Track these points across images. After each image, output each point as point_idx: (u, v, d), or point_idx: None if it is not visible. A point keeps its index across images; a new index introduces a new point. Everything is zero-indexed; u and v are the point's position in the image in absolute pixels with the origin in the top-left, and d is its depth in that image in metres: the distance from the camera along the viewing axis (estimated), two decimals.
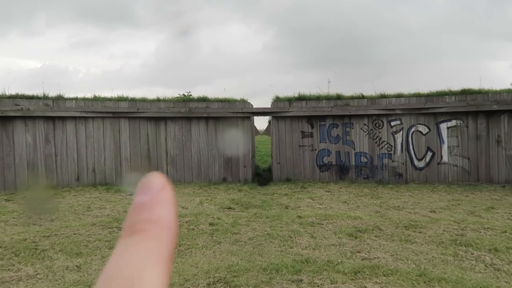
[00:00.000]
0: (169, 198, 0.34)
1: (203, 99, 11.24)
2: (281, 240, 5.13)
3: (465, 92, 10.03)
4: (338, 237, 5.25)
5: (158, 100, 11.16)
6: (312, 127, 10.92)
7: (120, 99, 10.92)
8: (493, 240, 5.03)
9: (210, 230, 5.68)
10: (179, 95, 11.56)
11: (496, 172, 9.57)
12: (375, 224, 5.86)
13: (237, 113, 10.97)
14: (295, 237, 5.27)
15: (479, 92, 9.94)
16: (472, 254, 4.54)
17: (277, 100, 11.37)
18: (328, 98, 11.04)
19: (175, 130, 10.95)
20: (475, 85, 10.19)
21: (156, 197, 0.33)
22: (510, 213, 6.63)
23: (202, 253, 4.70)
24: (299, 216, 6.42)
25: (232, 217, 6.43)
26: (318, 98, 11.07)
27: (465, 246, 4.80)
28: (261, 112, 11.56)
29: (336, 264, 4.24)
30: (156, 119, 10.87)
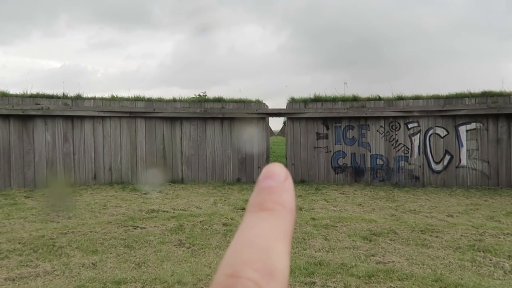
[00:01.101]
0: (292, 187, 0.38)
1: (219, 100, 11.29)
2: (294, 242, 5.10)
3: (486, 94, 9.82)
4: (352, 240, 5.20)
5: (174, 100, 11.26)
6: (328, 129, 10.85)
7: (137, 99, 11.05)
8: None
9: (224, 230, 5.70)
10: (194, 96, 11.63)
11: None
12: (390, 228, 5.78)
13: (252, 113, 10.98)
14: (309, 239, 5.24)
15: (500, 95, 9.71)
16: (491, 260, 4.43)
17: (292, 101, 11.34)
18: (344, 99, 10.95)
19: (190, 130, 11.02)
20: (496, 87, 9.97)
21: (283, 184, 0.38)
22: None
23: (215, 253, 4.71)
24: (313, 218, 6.38)
25: None
26: (334, 100, 10.99)
27: (483, 252, 4.69)
28: (276, 113, 11.54)
29: (350, 267, 4.19)
30: (172, 119, 10.97)
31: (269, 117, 11.87)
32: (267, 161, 11.38)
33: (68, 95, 10.60)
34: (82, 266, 4.26)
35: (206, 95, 11.71)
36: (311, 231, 5.64)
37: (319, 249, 4.84)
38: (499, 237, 5.31)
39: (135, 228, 5.80)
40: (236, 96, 11.54)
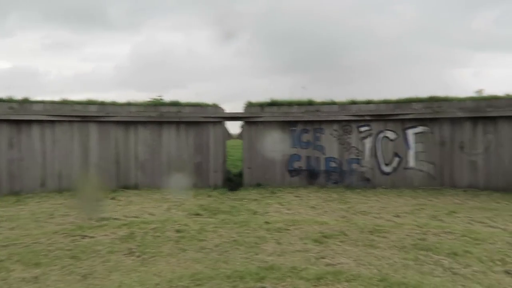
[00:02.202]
0: None
1: (175, 104, 11.14)
2: (247, 247, 5.12)
3: (432, 99, 10.35)
4: (304, 243, 5.30)
5: (129, 104, 10.98)
6: (284, 133, 11.00)
7: (90, 103, 10.67)
8: (452, 244, 5.19)
9: (176, 237, 5.62)
10: (150, 99, 11.40)
11: (459, 177, 9.91)
12: (341, 229, 5.95)
13: (208, 117, 10.93)
14: (261, 244, 5.27)
15: (445, 100, 10.28)
16: (432, 258, 4.67)
17: (249, 105, 11.40)
18: (299, 103, 11.15)
19: (145, 135, 10.79)
20: (441, 92, 10.53)
21: None
22: (470, 217, 6.86)
23: (167, 261, 4.63)
24: (267, 222, 6.44)
25: (200, 224, 6.38)
26: (290, 104, 11.16)
27: (425, 250, 4.94)
28: (233, 117, 11.55)
29: (300, 271, 4.27)
30: (126, 123, 10.69)
31: (226, 121, 11.88)
32: (224, 165, 11.36)
33: (14, 99, 10.06)
34: (23, 281, 4.04)
35: (162, 99, 11.49)
36: (264, 235, 5.69)
37: (271, 253, 4.89)
38: (441, 236, 5.61)
39: (83, 238, 5.59)
40: (194, 99, 11.46)
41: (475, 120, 9.73)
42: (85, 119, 10.38)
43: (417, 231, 5.87)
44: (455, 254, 4.78)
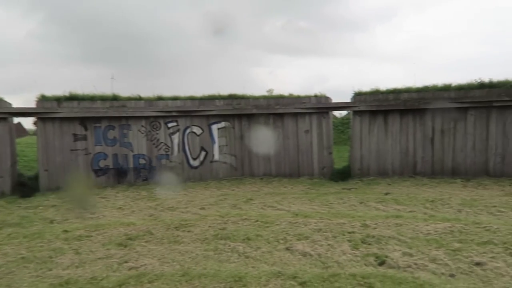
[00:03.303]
0: None
1: None
2: (38, 263, 4.55)
3: (232, 97, 11.27)
4: (107, 249, 5.05)
5: None
6: (86, 130, 10.17)
7: None
8: (247, 230, 5.80)
9: None
10: None
11: (256, 166, 11.16)
12: (147, 229, 5.91)
13: None
14: (57, 257, 4.77)
15: (243, 97, 11.34)
16: (229, 246, 5.11)
17: (43, 99, 10.09)
18: (103, 98, 10.50)
19: None
20: (241, 91, 11.56)
21: None
22: (263, 203, 7.81)
23: None
24: (66, 231, 5.86)
25: None
26: (92, 98, 10.38)
27: (224, 239, 5.36)
28: (23, 113, 10.02)
29: (100, 280, 4.05)
30: None
31: (14, 117, 10.24)
32: (13, 168, 9.77)
33: None
34: None
35: None
36: (61, 246, 5.16)
37: (68, 266, 4.48)
38: (238, 223, 6.20)
39: None
40: None
41: (267, 116, 11.09)
42: None
43: (219, 221, 6.32)
44: (249, 239, 5.35)
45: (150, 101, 10.73)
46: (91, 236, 5.63)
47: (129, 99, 10.72)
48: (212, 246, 5.12)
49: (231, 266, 4.45)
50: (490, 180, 9.47)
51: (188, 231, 5.81)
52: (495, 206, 6.79)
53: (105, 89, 13.03)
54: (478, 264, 4.14)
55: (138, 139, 10.54)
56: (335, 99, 11.17)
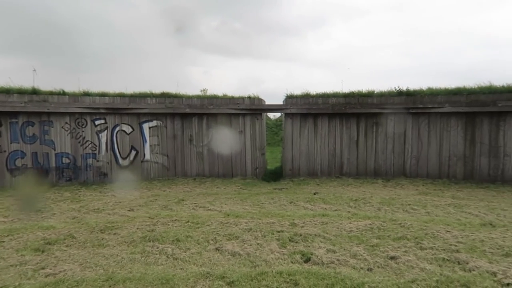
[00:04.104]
0: None
1: None
2: None
3: (164, 95, 11.01)
4: (21, 255, 4.66)
5: None
6: (1, 125, 9.31)
7: None
8: (177, 231, 5.70)
9: None
10: None
11: (189, 166, 11.02)
12: (69, 232, 5.57)
13: None
14: None
15: (176, 96, 11.13)
16: (158, 248, 4.98)
17: None
18: (21, 92, 9.70)
19: None
20: (174, 88, 11.36)
21: None
22: (195, 203, 7.74)
23: None
24: None
25: None
26: (8, 91, 9.54)
27: (152, 241, 5.22)
28: None
29: None
30: None
31: None
32: None
33: None
34: None
35: None
36: None
37: None
38: (168, 225, 6.07)
39: None
40: None
41: (200, 116, 11.00)
42: None
43: (148, 223, 6.14)
44: (178, 240, 5.26)
45: (75, 97, 10.12)
46: (3, 241, 5.17)
47: (52, 93, 10.01)
48: (140, 248, 4.95)
49: (159, 268, 4.34)
50: (407, 180, 10.29)
51: (114, 234, 5.57)
52: (409, 204, 7.39)
53: (26, 82, 12.03)
54: (392, 258, 4.47)
55: (61, 137, 9.89)
56: (270, 101, 11.42)
